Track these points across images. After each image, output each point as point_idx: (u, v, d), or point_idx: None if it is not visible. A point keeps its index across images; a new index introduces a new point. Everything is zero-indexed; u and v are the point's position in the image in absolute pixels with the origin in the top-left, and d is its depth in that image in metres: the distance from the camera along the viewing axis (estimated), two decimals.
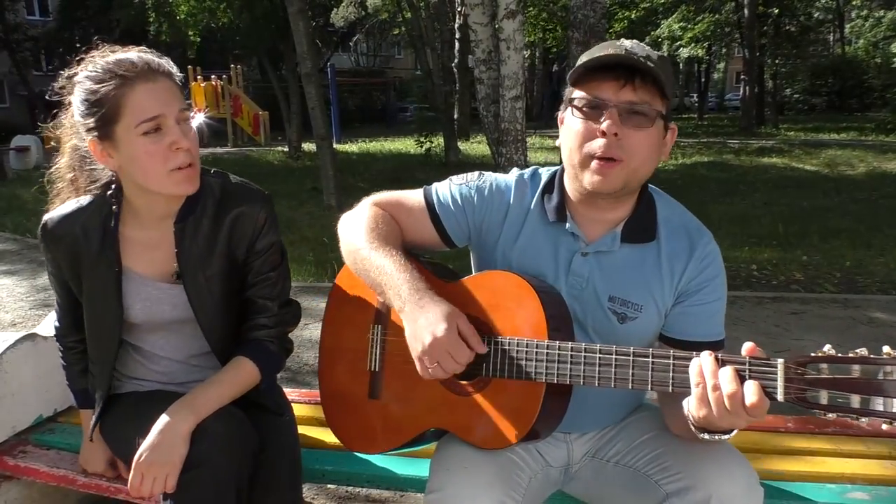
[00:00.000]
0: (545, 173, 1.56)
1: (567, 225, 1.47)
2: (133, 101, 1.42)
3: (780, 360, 1.13)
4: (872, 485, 1.65)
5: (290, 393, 2.00)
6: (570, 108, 1.40)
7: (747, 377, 1.14)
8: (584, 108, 1.36)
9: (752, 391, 1.12)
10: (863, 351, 1.09)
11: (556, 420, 1.43)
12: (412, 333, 1.36)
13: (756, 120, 24.82)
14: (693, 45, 25.86)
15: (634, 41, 1.37)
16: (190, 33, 17.27)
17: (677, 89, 43.39)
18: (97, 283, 1.59)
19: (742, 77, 26.24)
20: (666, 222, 1.48)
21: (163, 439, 1.40)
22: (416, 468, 1.75)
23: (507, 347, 1.36)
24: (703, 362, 1.18)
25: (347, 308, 1.62)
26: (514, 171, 1.60)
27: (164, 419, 1.43)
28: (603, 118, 1.33)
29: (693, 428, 1.26)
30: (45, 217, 1.61)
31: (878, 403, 1.06)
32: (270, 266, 1.63)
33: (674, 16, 25.78)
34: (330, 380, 1.64)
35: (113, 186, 1.59)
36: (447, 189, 1.58)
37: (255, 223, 1.60)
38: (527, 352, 1.34)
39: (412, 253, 1.57)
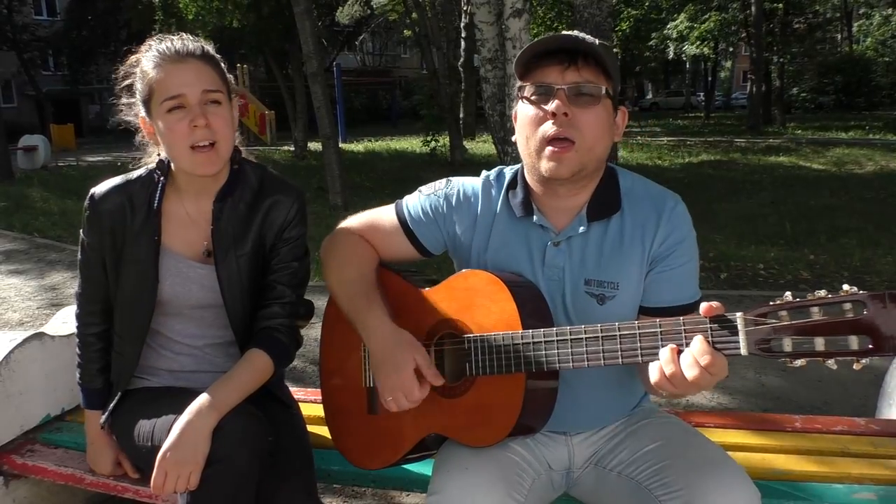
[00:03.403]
0: (509, 171, 1.60)
1: (534, 218, 1.50)
2: (161, 81, 1.53)
3: (739, 314, 1.13)
4: (880, 485, 1.64)
5: (296, 392, 2.00)
6: (520, 100, 1.45)
7: (710, 337, 1.17)
8: (533, 96, 1.41)
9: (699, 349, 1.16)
10: (822, 292, 1.08)
11: (546, 410, 1.44)
12: (377, 370, 1.46)
13: (763, 118, 24.73)
14: (699, 43, 25.79)
15: (576, 32, 1.42)
16: (198, 33, 17.29)
17: (683, 88, 43.39)
18: (137, 254, 1.65)
19: (749, 76, 26.13)
20: (629, 193, 1.50)
21: (186, 438, 1.42)
22: (421, 468, 1.75)
23: (484, 344, 1.38)
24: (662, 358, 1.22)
25: (339, 327, 1.65)
26: (483, 174, 1.63)
27: (185, 418, 1.45)
28: (551, 101, 1.38)
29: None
30: (93, 189, 1.68)
31: (843, 342, 1.05)
32: (294, 256, 1.70)
33: (681, 15, 25.73)
34: (332, 400, 1.69)
35: (163, 163, 1.67)
36: (417, 201, 1.63)
37: (288, 212, 1.68)
38: (503, 345, 1.36)
39: (393, 268, 1.63)
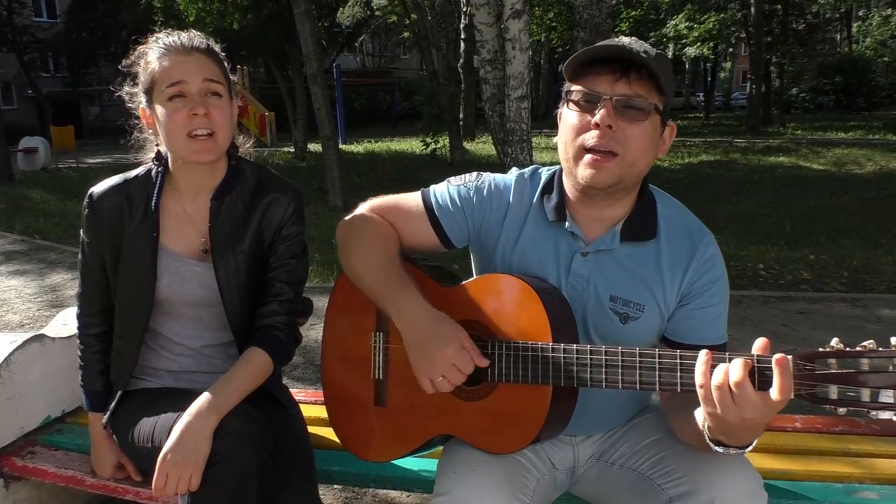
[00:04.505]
0: (545, 173, 1.56)
1: (566, 224, 1.46)
2: (165, 70, 1.55)
3: (789, 358, 1.12)
4: (881, 484, 1.64)
5: (296, 393, 2.00)
6: (566, 103, 1.40)
7: (756, 375, 1.13)
8: (580, 102, 1.36)
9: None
10: (870, 343, 1.08)
11: (563, 422, 1.43)
12: (416, 351, 1.37)
13: (763, 119, 24.72)
14: (699, 44, 25.80)
15: (634, 38, 1.38)
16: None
17: (683, 88, 43.47)
18: (134, 252, 1.65)
19: (748, 76, 26.15)
20: (667, 221, 1.47)
21: (187, 439, 1.42)
22: (423, 468, 1.75)
23: (511, 352, 1.35)
24: (708, 359, 1.17)
25: (348, 315, 1.62)
26: (514, 171, 1.59)
27: (186, 419, 1.45)
28: (597, 111, 1.33)
29: (708, 440, 1.24)
30: (92, 188, 1.69)
31: (888, 396, 1.06)
32: (292, 253, 1.70)
33: (680, 15, 25.74)
34: (335, 388, 1.65)
35: (160, 154, 1.69)
36: (445, 190, 1.58)
37: (286, 210, 1.69)
38: (532, 355, 1.33)
39: (411, 257, 1.58)
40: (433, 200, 1.57)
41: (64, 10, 34.18)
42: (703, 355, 1.17)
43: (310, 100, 10.50)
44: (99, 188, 1.68)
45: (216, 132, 1.55)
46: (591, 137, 1.34)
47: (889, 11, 32.11)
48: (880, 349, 1.07)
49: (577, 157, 1.37)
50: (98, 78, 34.74)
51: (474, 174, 1.60)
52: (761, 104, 25.02)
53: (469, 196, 1.55)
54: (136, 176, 1.70)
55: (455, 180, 1.59)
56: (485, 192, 1.55)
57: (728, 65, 46.29)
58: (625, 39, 1.36)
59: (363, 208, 1.62)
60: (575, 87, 1.38)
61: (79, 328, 1.77)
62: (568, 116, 1.39)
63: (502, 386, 1.38)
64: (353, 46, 36.79)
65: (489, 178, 1.58)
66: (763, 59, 24.30)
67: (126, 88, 1.66)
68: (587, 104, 1.35)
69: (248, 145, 1.82)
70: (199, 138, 1.54)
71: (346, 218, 1.63)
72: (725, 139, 20.45)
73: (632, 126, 1.33)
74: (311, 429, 1.79)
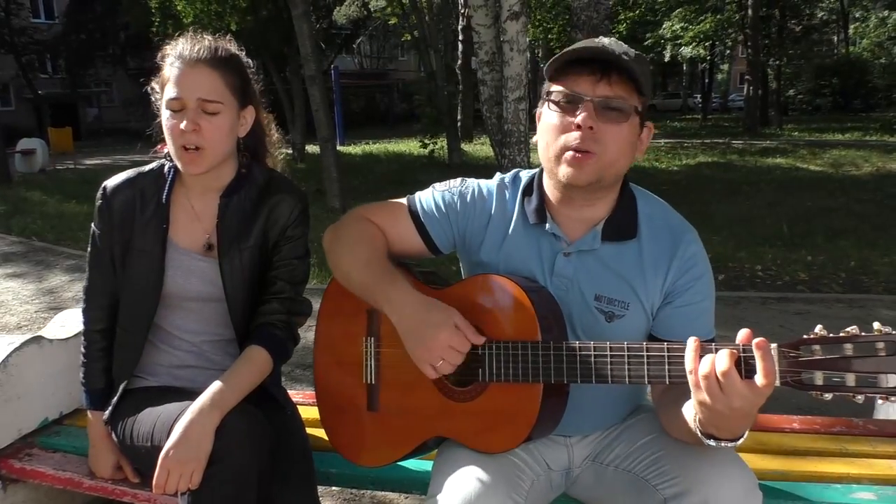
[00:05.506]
0: (525, 176, 1.57)
1: (547, 226, 1.48)
2: (170, 80, 1.59)
3: (774, 345, 1.13)
4: (878, 485, 1.64)
5: (295, 395, 2.00)
6: (546, 103, 1.42)
7: (742, 364, 1.14)
8: (561, 103, 1.38)
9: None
10: (854, 329, 1.09)
11: (555, 420, 1.43)
12: (411, 340, 1.38)
13: (760, 120, 24.77)
14: (695, 43, 25.84)
15: (613, 39, 1.39)
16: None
17: (680, 90, 43.54)
18: (144, 244, 1.69)
19: (746, 78, 26.18)
20: (648, 219, 1.48)
21: (189, 436, 1.43)
22: (421, 470, 1.75)
23: (501, 351, 1.36)
24: (697, 346, 1.18)
25: (339, 321, 1.63)
26: (497, 176, 1.61)
27: (189, 416, 1.46)
28: (579, 112, 1.34)
29: (699, 434, 1.25)
30: (106, 182, 1.73)
31: (873, 380, 1.07)
32: (295, 254, 1.74)
33: (675, 13, 25.78)
34: (327, 394, 1.66)
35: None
36: (430, 197, 1.60)
37: (292, 211, 1.73)
38: (521, 354, 1.34)
39: (401, 262, 1.59)
40: (419, 207, 1.59)
41: (62, 11, 34.14)
42: (691, 342, 1.19)
43: (308, 101, 10.50)
44: (113, 182, 1.72)
45: (205, 147, 1.58)
46: (572, 138, 1.36)
47: (886, 13, 32.18)
48: (863, 334, 1.08)
49: (559, 157, 1.39)
50: (96, 79, 34.75)
51: (458, 180, 1.63)
52: (758, 106, 25.07)
53: (453, 201, 1.57)
54: (151, 170, 1.74)
55: (440, 186, 1.62)
56: (468, 197, 1.57)
57: (725, 67, 46.33)
58: (605, 40, 1.37)
59: (350, 213, 1.64)
60: (556, 88, 1.39)
61: (84, 323, 1.78)
62: (549, 117, 1.41)
63: (493, 386, 1.39)
64: (351, 48, 36.79)
65: (473, 183, 1.60)
66: (760, 61, 24.34)
67: (154, 85, 1.69)
68: (568, 105, 1.37)
69: (279, 159, 1.89)
70: (188, 152, 1.58)
71: (333, 225, 1.64)
72: (723, 141, 20.48)
73: (611, 127, 1.35)
74: (310, 430, 1.79)
